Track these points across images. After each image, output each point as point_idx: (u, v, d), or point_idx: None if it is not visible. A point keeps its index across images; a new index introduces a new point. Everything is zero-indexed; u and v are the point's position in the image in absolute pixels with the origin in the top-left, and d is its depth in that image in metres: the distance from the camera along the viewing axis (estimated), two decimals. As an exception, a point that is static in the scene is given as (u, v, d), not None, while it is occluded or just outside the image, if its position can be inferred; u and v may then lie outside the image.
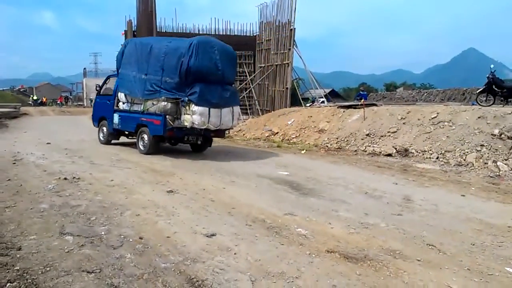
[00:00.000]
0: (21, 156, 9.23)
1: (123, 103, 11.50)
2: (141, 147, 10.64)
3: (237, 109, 10.78)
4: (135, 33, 26.04)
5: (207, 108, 9.57)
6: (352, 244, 4.17)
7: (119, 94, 11.59)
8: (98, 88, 13.13)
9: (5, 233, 4.17)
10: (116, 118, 11.59)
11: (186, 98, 9.52)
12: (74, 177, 6.93)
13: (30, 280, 3.13)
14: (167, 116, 9.79)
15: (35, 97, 52.41)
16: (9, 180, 6.70)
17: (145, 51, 10.73)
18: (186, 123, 9.64)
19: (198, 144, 10.88)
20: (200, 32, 27.93)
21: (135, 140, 11.01)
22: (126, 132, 11.77)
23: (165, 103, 9.91)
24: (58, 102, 51.56)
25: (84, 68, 57.83)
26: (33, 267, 3.38)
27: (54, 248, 3.81)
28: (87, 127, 20.13)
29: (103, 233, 4.25)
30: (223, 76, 10.12)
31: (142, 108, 10.64)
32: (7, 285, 3.01)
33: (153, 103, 10.28)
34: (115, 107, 11.73)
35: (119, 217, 4.82)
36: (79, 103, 52.55)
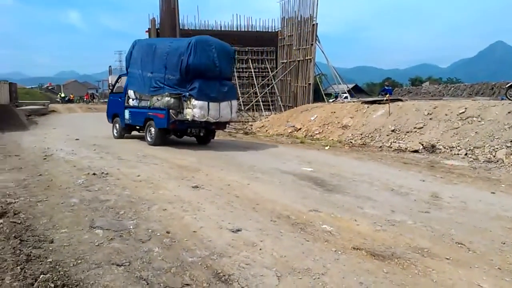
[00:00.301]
0: (51, 152, 9.51)
1: (133, 100, 12.31)
2: (149, 139, 11.51)
3: (235, 102, 11.48)
4: (158, 31, 26.35)
5: (206, 102, 10.38)
6: (378, 242, 4.13)
7: (128, 91, 12.43)
8: (111, 87, 14.05)
9: (37, 226, 4.32)
10: (127, 113, 12.47)
11: (187, 93, 10.34)
12: (102, 172, 7.10)
13: (62, 272, 3.23)
14: (170, 110, 10.64)
15: (62, 95, 53.81)
16: (40, 175, 6.92)
17: (150, 51, 11.66)
18: (187, 117, 10.45)
19: (201, 136, 11.68)
20: (222, 29, 28.01)
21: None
22: (137, 127, 12.48)
23: (168, 98, 10.74)
24: (85, 99, 52.78)
25: (110, 66, 58.96)
26: (65, 260, 3.49)
27: (84, 241, 3.92)
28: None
29: (131, 227, 4.34)
30: (220, 72, 10.92)
31: (148, 103, 11.49)
32: (40, 277, 3.11)
33: (157, 99, 11.10)
34: (126, 104, 12.53)
35: (146, 212, 4.91)
36: (105, 100, 53.65)
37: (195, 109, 10.27)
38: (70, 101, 50.94)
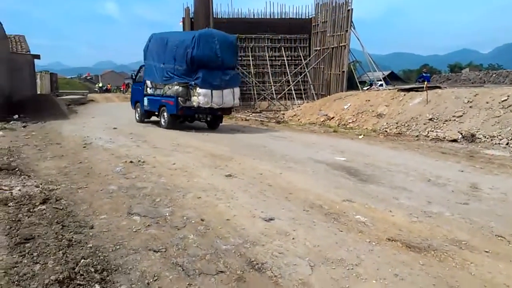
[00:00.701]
0: (90, 140, 9.86)
1: (150, 89, 13.79)
2: (163, 123, 13.08)
3: (237, 90, 12.70)
4: (192, 20, 26.53)
5: (210, 90, 11.74)
6: (414, 233, 4.05)
7: (146, 81, 13.92)
8: (133, 77, 15.68)
9: (78, 212, 4.51)
10: (145, 101, 14.04)
11: (193, 82, 11.76)
12: (139, 161, 7.30)
13: (102, 257, 3.36)
14: (179, 98, 12.02)
15: (100, 84, 55.45)
16: (80, 162, 7.20)
17: (162, 44, 12.96)
18: (194, 103, 11.87)
19: (209, 121, 13.07)
20: (255, 17, 27.85)
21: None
22: (156, 112, 13.72)
23: (177, 87, 12.09)
24: (122, 89, 54.18)
25: (145, 56, 60.14)
26: (105, 245, 3.63)
27: (123, 228, 4.07)
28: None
29: (167, 214, 4.46)
30: (222, 62, 12.09)
31: (162, 92, 12.91)
32: (81, 261, 3.25)
33: (169, 88, 12.45)
34: (145, 92, 14.05)
35: (181, 199, 5.03)
36: (140, 89, 54.82)
37: (199, 97, 11.66)
38: (107, 90, 52.41)
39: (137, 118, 14.98)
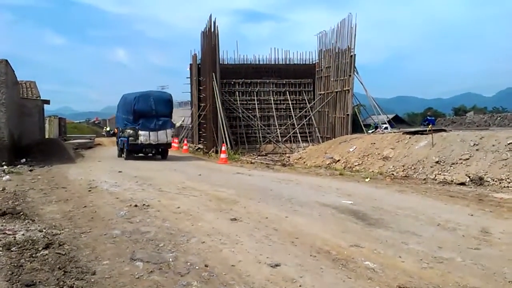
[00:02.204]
0: (96, 184, 9.86)
1: (120, 133, 18.65)
2: (123, 156, 18.14)
3: (169, 131, 17.70)
4: (199, 66, 27.29)
5: (147, 132, 16.91)
6: (425, 280, 3.91)
7: (118, 127, 19.21)
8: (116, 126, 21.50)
9: (81, 257, 4.43)
10: (120, 141, 18.66)
11: (137, 127, 16.97)
12: (143, 204, 7.26)
13: (103, 304, 3.27)
14: (130, 138, 17.07)
15: (108, 128, 56.21)
16: (85, 206, 7.17)
17: (123, 102, 18.72)
18: (139, 141, 17.02)
19: (153, 153, 18.02)
20: (260, 63, 28.62)
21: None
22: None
23: (129, 130, 17.19)
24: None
25: (152, 101, 61.39)
26: (106, 292, 3.54)
27: (125, 274, 3.98)
28: (155, 156, 21.11)
29: (171, 259, 4.37)
30: (156, 113, 17.26)
31: (123, 134, 17.83)
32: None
33: (126, 131, 17.41)
34: (118, 135, 19.28)
35: (185, 244, 4.94)
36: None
37: (141, 137, 16.91)
38: (114, 134, 52.94)
39: (117, 153, 19.27)
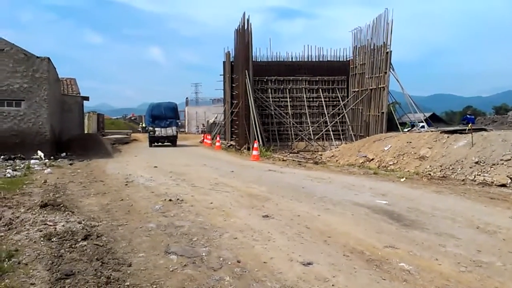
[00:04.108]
0: (132, 178, 10.13)
1: (147, 129, 27.48)
2: (148, 144, 25.79)
3: (174, 128, 26.05)
4: (232, 63, 27.45)
5: (160, 128, 25.37)
6: (464, 284, 3.78)
7: (147, 126, 27.60)
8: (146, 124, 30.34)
9: (117, 249, 4.57)
10: (148, 135, 26.68)
11: (154, 126, 25.27)
12: (178, 199, 7.40)
13: (139, 296, 3.35)
14: (150, 132, 25.55)
15: (143, 125, 57.58)
16: (122, 200, 7.38)
17: (147, 109, 27.09)
18: (155, 134, 25.26)
19: (166, 143, 26.20)
20: (293, 60, 28.46)
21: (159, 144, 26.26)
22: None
23: (150, 128, 25.49)
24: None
25: (186, 98, 62.38)
26: (142, 284, 3.63)
27: (160, 267, 4.07)
28: (188, 152, 21.49)
29: (204, 254, 4.43)
30: (165, 116, 25.46)
31: (148, 130, 26.41)
32: (118, 299, 3.26)
33: (149, 128, 25.92)
34: (147, 131, 27.23)
35: (218, 239, 4.99)
36: (181, 129, 56.45)
37: (156, 131, 25.37)
38: (146, 130, 54.07)
39: (148, 144, 26.17)
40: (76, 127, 24.46)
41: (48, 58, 16.62)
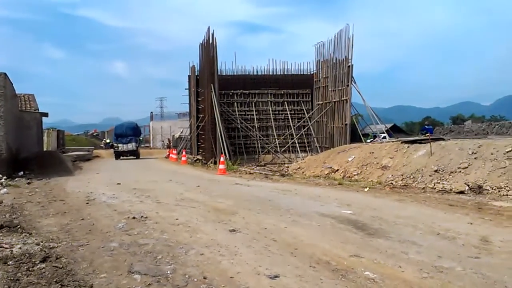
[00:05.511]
0: (94, 196, 9.81)
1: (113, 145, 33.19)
2: (114, 158, 30.60)
3: (134, 143, 30.51)
4: (197, 77, 27.41)
5: (122, 144, 30.34)
6: (426, 290, 3.88)
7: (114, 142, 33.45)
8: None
9: (78, 271, 4.39)
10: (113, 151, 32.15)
11: (116, 142, 31.03)
12: (142, 216, 7.21)
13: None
14: (115, 148, 31.20)
15: (107, 140, 56.18)
16: (82, 219, 7.12)
17: (114, 128, 35.23)
18: (119, 149, 30.49)
19: (129, 156, 30.64)
20: (259, 73, 28.78)
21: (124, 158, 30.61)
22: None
23: (115, 144, 31.28)
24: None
25: (151, 112, 61.52)
26: (104, 305, 3.49)
27: (123, 287, 3.93)
28: (153, 168, 21.13)
29: (169, 272, 4.32)
30: (126, 134, 30.52)
31: (114, 146, 31.94)
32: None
33: (114, 144, 31.86)
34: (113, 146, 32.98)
35: (184, 256, 4.90)
36: (146, 144, 55.49)
37: (119, 146, 30.38)
38: (112, 146, 52.88)
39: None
40: (35, 145, 23.52)
41: (5, 74, 15.96)
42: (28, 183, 13.04)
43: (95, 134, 75.05)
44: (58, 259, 4.75)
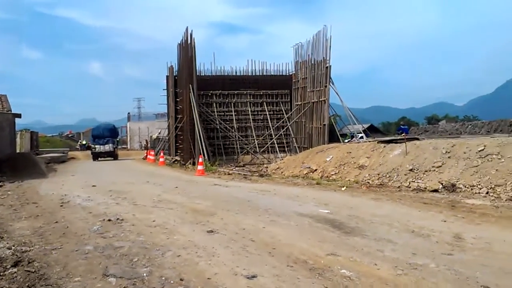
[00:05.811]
0: (68, 199, 9.60)
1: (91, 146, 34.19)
2: (92, 159, 30.87)
3: (112, 144, 30.73)
4: (176, 78, 27.16)
5: (99, 145, 30.61)
6: (400, 287, 3.95)
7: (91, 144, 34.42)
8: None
9: (51, 275, 4.28)
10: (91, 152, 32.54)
11: (94, 143, 31.38)
12: (117, 218, 7.10)
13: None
14: (92, 149, 31.45)
15: (83, 142, 55.05)
16: (56, 222, 6.96)
17: (92, 130, 35.90)
18: (96, 150, 30.68)
19: (107, 158, 30.72)
20: (237, 74, 28.75)
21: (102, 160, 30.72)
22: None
23: (93, 145, 31.73)
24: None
25: (128, 113, 60.67)
26: (78, 310, 3.41)
27: (97, 290, 3.86)
28: (130, 169, 20.82)
29: (145, 274, 4.27)
30: (103, 135, 30.87)
31: (92, 147, 32.41)
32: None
33: (91, 145, 32.58)
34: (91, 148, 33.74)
35: (160, 258, 4.84)
36: (123, 146, 54.62)
37: (96, 147, 30.71)
38: (89, 148, 51.88)
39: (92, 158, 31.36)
40: (7, 147, 22.80)
41: (-26, 73, 15.46)
42: (0, 186, 12.66)
43: (70, 135, 73.38)
44: (30, 263, 4.62)
